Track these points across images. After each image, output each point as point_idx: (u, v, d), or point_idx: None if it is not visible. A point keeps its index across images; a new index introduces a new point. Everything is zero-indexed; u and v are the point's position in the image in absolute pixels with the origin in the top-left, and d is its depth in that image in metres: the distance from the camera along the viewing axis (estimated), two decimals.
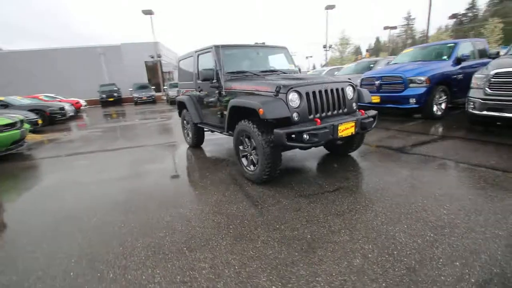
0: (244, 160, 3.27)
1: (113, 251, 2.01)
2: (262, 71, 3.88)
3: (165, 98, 20.89)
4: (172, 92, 17.10)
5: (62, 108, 11.09)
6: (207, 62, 4.11)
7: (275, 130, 2.64)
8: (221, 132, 3.96)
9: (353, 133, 2.99)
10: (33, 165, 4.78)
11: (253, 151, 3.05)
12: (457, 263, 1.63)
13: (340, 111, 3.13)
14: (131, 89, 21.32)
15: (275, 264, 1.74)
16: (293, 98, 2.79)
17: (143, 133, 7.63)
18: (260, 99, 2.83)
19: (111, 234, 2.26)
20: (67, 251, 2.05)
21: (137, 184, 3.40)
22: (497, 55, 5.48)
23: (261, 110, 2.66)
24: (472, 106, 4.58)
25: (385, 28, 31.37)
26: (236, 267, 1.74)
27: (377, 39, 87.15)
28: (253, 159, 3.07)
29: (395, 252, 1.76)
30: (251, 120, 2.94)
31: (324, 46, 23.65)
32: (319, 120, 2.77)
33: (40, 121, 8.83)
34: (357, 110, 3.31)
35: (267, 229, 2.15)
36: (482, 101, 4.38)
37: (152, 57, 21.31)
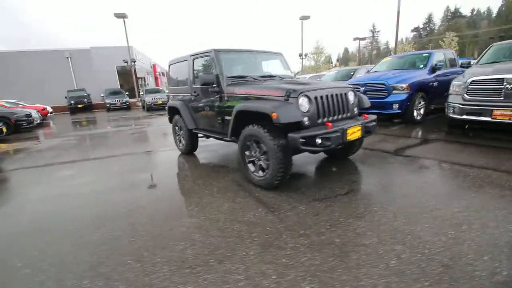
0: (250, 166, 3.20)
1: (131, 268, 1.83)
2: (261, 76, 3.87)
3: (140, 104, 20.08)
4: (149, 98, 16.54)
5: (29, 115, 10.16)
6: (205, 67, 4.03)
7: (290, 135, 2.63)
8: (221, 138, 3.86)
9: (359, 136, 3.07)
10: (5, 178, 4.28)
11: (262, 156, 3.00)
12: (485, 258, 1.70)
13: (344, 115, 3.20)
14: (102, 95, 20.22)
15: (313, 271, 1.69)
16: (303, 103, 2.80)
17: (125, 140, 7.21)
18: (270, 104, 2.81)
19: (123, 249, 2.06)
20: (77, 272, 1.83)
21: (135, 195, 3.17)
22: (469, 65, 6.00)
23: (274, 114, 2.63)
24: (452, 111, 4.96)
25: (355, 39, 33.20)
26: (274, 277, 1.66)
27: (346, 49, 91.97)
28: (263, 164, 3.01)
29: (426, 251, 1.80)
30: (261, 125, 2.90)
31: (300, 55, 24.39)
32: (330, 124, 2.80)
33: (4, 129, 7.99)
34: (360, 114, 3.41)
35: (293, 235, 2.10)
36: (461, 106, 4.76)
37: (126, 62, 20.42)
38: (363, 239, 1.99)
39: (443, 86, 6.81)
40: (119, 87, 22.72)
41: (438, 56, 6.85)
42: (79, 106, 19.35)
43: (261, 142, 2.91)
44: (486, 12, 69.31)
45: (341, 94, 3.18)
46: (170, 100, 5.15)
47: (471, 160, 3.52)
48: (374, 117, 3.42)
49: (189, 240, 2.12)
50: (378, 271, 1.65)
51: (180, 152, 5.05)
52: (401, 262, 1.72)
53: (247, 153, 3.20)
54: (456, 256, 1.73)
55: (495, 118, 4.32)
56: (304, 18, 23.63)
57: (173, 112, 5.06)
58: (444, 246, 1.84)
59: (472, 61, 6.08)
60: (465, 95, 4.72)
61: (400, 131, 5.67)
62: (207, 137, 4.59)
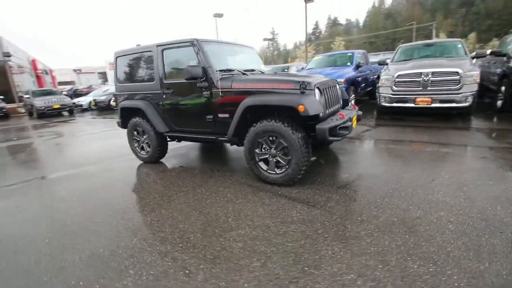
0: (262, 165, 3.02)
1: None
2: (246, 70, 3.67)
3: (24, 110, 15.66)
4: (40, 102, 13.13)
5: None
6: (182, 59, 3.51)
7: (319, 127, 2.63)
8: (210, 140, 3.46)
9: (355, 125, 3.35)
10: None
11: (279, 152, 2.87)
12: None
13: (338, 106, 3.43)
14: None
15: (405, 251, 1.77)
16: (317, 95, 2.84)
17: (54, 155, 5.51)
18: (287, 97, 2.72)
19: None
20: None
21: (147, 219, 2.50)
22: (384, 63, 7.35)
23: (302, 107, 2.57)
24: (384, 100, 6.01)
25: (265, 39, 35.43)
26: (381, 266, 1.65)
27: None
28: (281, 161, 2.89)
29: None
30: (279, 119, 2.77)
31: None
32: (343, 114, 2.94)
33: None
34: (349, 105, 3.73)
35: (357, 224, 2.12)
36: (391, 96, 5.83)
37: None
38: (414, 213, 2.20)
39: (364, 81, 8.21)
40: None
41: (358, 55, 8.13)
42: None
43: (280, 137, 2.78)
44: (355, 22, 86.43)
45: (334, 86, 3.38)
46: (120, 101, 4.25)
47: (421, 137, 4.39)
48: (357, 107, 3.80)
49: (264, 255, 1.85)
50: (455, 244, 1.87)
51: (141, 162, 4.26)
52: (473, 235, 2.01)
53: (257, 151, 3.00)
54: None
55: (418, 104, 5.49)
56: (218, 15, 23.58)
57: (128, 114, 4.21)
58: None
59: (388, 60, 7.50)
60: (393, 86, 5.79)
61: None
62: (180, 140, 4.06)
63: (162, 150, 4.10)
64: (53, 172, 4.19)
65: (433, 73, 5.30)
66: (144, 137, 4.12)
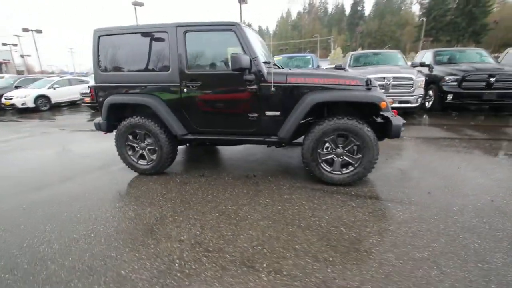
0: (325, 165, 2.83)
1: None
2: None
3: None
4: None
5: None
6: (215, 45, 2.93)
7: (395, 123, 2.63)
8: (258, 141, 3.00)
9: None
10: None
11: (345, 151, 2.75)
12: None
13: None
14: None
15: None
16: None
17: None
18: (363, 93, 2.65)
19: None
20: None
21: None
22: (342, 67, 8.07)
23: (383, 103, 2.55)
24: None
25: None
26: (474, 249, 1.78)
27: None
28: (349, 160, 2.76)
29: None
30: (350, 116, 2.65)
31: None
32: (396, 111, 3.04)
33: None
34: None
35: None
36: None
37: None
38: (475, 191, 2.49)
39: None
40: None
41: (315, 59, 8.72)
42: None
43: (352, 135, 2.66)
44: (265, 30, 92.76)
45: None
46: (104, 95, 3.19)
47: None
48: None
49: (377, 262, 1.70)
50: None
51: (132, 173, 3.33)
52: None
53: (320, 151, 2.79)
54: None
55: None
56: (137, 4, 21.03)
57: (119, 113, 3.24)
58: None
59: (343, 65, 8.27)
60: None
61: None
62: (197, 144, 3.39)
63: (173, 157, 3.30)
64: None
65: (394, 77, 6.19)
66: (147, 141, 3.22)
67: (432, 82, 7.25)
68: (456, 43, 40.52)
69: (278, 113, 2.86)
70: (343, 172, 2.81)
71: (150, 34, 2.99)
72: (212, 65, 3.02)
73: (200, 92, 2.96)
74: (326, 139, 2.74)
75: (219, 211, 2.42)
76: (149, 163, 3.28)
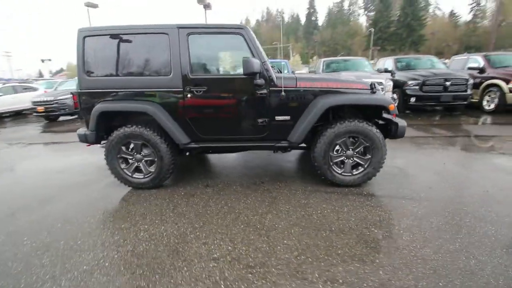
0: (336, 168, 2.87)
1: None
2: None
3: None
4: None
5: None
6: (220, 48, 2.81)
7: (401, 125, 2.77)
8: (268, 146, 2.94)
9: None
10: None
11: (355, 152, 2.82)
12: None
13: None
14: None
15: None
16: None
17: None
18: (369, 96, 2.76)
19: None
20: None
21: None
22: (315, 73, 8.43)
23: (392, 106, 2.68)
24: None
25: None
26: None
27: None
28: (359, 160, 2.83)
29: None
30: (361, 119, 2.73)
31: None
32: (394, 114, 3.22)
33: None
34: None
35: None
36: None
37: None
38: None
39: None
40: None
41: (288, 65, 8.95)
42: None
43: (362, 137, 2.74)
44: None
45: None
46: (89, 102, 2.84)
47: None
48: None
49: (467, 271, 1.79)
50: None
51: (127, 187, 3.02)
52: None
53: (331, 153, 2.82)
54: None
55: None
56: (91, 5, 19.47)
57: (108, 122, 2.91)
58: None
59: (317, 71, 8.62)
60: None
61: None
62: (201, 153, 3.20)
63: (174, 168, 3.05)
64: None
65: None
66: (143, 152, 2.93)
67: (396, 86, 7.91)
68: (399, 52, 45.25)
69: (288, 117, 2.83)
70: (354, 173, 2.88)
71: (148, 36, 2.75)
72: (218, 69, 2.89)
73: (206, 97, 2.80)
74: (337, 141, 2.78)
75: (242, 222, 2.28)
76: (146, 176, 2.98)
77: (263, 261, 1.78)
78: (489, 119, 6.48)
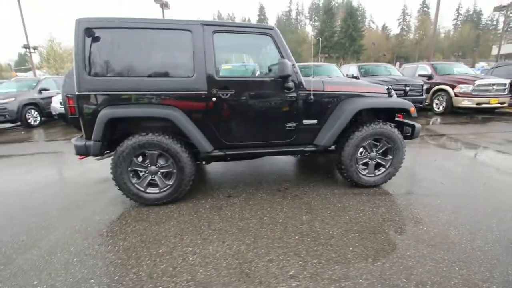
0: (361, 169, 2.93)
1: None
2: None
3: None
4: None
5: None
6: (248, 48, 2.64)
7: (417, 126, 2.96)
8: (298, 151, 2.89)
9: None
10: None
11: (378, 154, 2.93)
12: None
13: None
14: None
15: None
16: None
17: None
18: (379, 100, 2.90)
19: None
20: None
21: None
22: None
23: (412, 109, 2.84)
24: None
25: None
26: None
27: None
28: (381, 161, 2.94)
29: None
30: (384, 122, 2.85)
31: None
32: (401, 115, 3.43)
33: None
34: None
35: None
36: None
37: None
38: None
39: None
40: None
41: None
42: None
43: (386, 139, 2.85)
44: None
45: None
46: (94, 106, 2.39)
47: None
48: None
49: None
50: None
51: (134, 204, 2.62)
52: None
53: (357, 156, 2.87)
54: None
55: None
56: None
57: (114, 130, 2.51)
58: None
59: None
60: None
61: None
62: (224, 160, 2.97)
63: (194, 179, 2.74)
64: None
65: None
66: (160, 163, 2.57)
67: None
68: (342, 60, 49.44)
69: (315, 121, 2.81)
70: (376, 174, 2.98)
71: (168, 32, 2.43)
72: (244, 71, 2.71)
73: (233, 101, 2.59)
74: (363, 144, 2.85)
75: (294, 232, 2.15)
76: (163, 190, 2.62)
77: (345, 273, 1.69)
78: (439, 119, 7.44)
